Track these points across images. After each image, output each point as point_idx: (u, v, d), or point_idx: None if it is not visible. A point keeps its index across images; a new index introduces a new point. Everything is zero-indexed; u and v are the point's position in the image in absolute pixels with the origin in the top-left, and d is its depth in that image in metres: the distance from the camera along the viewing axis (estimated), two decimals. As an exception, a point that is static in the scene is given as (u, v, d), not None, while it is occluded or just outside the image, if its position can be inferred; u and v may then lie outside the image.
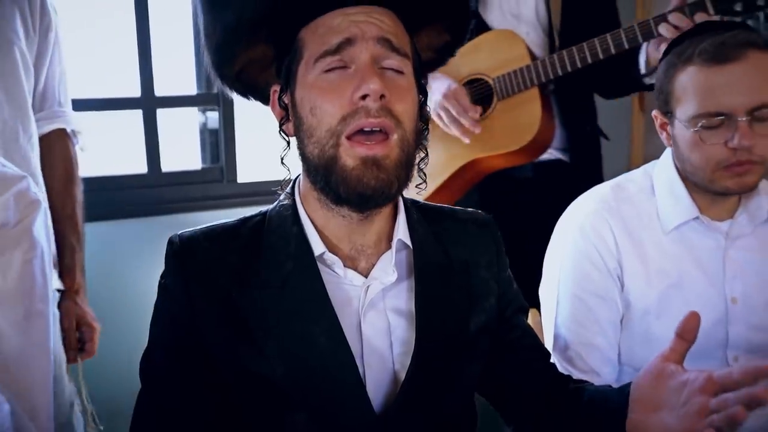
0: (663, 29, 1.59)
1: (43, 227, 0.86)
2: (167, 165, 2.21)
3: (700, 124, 1.16)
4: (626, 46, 1.71)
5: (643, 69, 1.75)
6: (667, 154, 1.29)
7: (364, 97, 0.84)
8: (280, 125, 0.96)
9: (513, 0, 2.02)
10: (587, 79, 1.88)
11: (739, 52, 1.14)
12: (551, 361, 1.10)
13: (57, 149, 1.63)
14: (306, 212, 0.94)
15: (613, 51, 1.72)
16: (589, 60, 1.74)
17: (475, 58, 2.00)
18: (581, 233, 1.28)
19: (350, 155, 0.86)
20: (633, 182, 1.32)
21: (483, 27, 1.97)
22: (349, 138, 0.85)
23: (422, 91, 0.96)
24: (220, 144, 2.32)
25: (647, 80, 1.78)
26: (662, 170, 1.29)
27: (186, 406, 0.94)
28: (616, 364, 1.26)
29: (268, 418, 0.94)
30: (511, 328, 1.06)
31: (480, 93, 1.93)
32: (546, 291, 1.34)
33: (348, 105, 0.85)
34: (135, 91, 2.13)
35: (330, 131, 0.86)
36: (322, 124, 0.87)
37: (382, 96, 0.85)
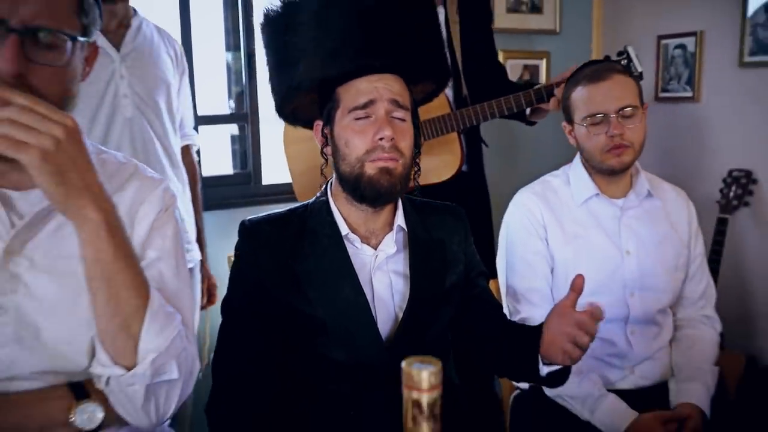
0: (557, 92, 2.11)
1: (178, 213, 1.28)
2: (206, 171, 2.54)
3: (589, 122, 1.68)
4: (524, 107, 2.20)
5: (528, 113, 2.32)
6: (577, 157, 1.79)
7: (381, 138, 1.28)
8: (322, 148, 1.39)
9: None
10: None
11: (608, 74, 1.69)
12: (502, 311, 1.52)
13: (186, 160, 2.21)
14: (336, 206, 1.37)
15: (514, 110, 2.20)
16: (497, 115, 2.20)
17: None
18: (520, 214, 1.78)
19: (371, 168, 1.29)
20: (555, 176, 1.84)
21: None
22: (370, 160, 1.29)
23: (416, 126, 1.38)
24: (248, 153, 2.69)
25: (532, 119, 2.36)
26: (574, 166, 1.80)
27: (253, 336, 1.33)
28: (551, 301, 1.72)
29: (309, 343, 1.34)
30: (474, 286, 1.49)
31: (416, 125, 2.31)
32: (500, 258, 1.82)
33: (370, 143, 1.28)
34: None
35: (358, 158, 1.29)
36: (353, 154, 1.30)
37: (392, 139, 1.28)
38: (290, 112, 1.43)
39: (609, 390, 1.68)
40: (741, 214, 2.75)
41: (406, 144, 1.31)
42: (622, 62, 2.19)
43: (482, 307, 1.48)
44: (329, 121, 1.34)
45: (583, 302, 1.29)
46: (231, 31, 2.69)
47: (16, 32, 0.93)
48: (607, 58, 2.16)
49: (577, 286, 1.27)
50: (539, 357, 1.31)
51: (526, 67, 3.11)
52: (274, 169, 2.72)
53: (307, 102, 1.40)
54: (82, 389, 1.05)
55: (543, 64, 3.18)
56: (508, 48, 2.95)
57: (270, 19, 1.39)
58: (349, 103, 1.30)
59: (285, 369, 1.37)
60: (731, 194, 2.69)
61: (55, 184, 0.93)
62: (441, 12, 2.30)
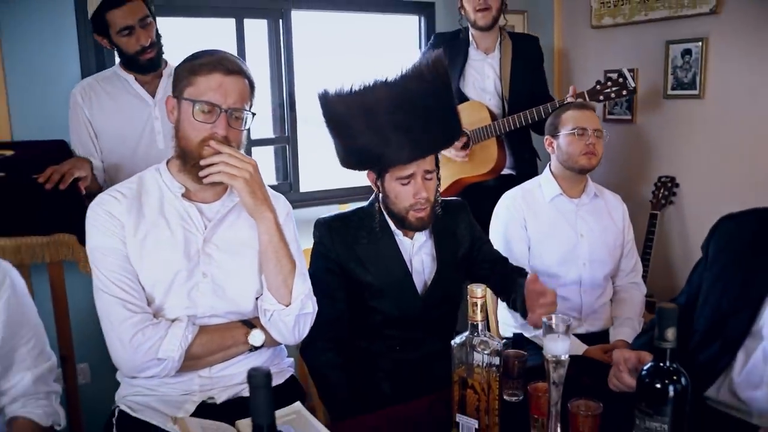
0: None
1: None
2: None
3: (575, 132, 2.31)
4: (543, 117, 2.72)
5: None
6: (546, 168, 2.41)
7: (419, 197, 1.84)
8: (373, 184, 1.93)
9: (480, 80, 2.99)
10: (525, 128, 2.91)
11: (589, 107, 2.39)
12: (508, 261, 2.12)
13: None
14: (384, 212, 1.95)
15: (536, 118, 2.76)
16: (524, 123, 2.78)
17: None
18: (506, 209, 2.39)
19: (413, 216, 1.87)
20: (529, 183, 2.45)
21: (463, 97, 2.95)
22: (412, 210, 1.86)
23: (438, 176, 1.93)
24: (288, 166, 3.17)
25: None
26: (545, 175, 2.42)
27: (331, 297, 1.89)
28: (527, 262, 2.33)
29: (368, 302, 1.94)
30: (480, 251, 2.08)
31: (465, 137, 2.89)
32: (493, 240, 2.39)
33: (412, 200, 1.84)
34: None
35: (404, 208, 1.87)
36: (400, 204, 1.86)
37: (425, 196, 1.88)
38: (351, 166, 1.97)
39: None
40: (667, 210, 3.30)
41: (432, 194, 1.89)
42: (619, 80, 2.74)
43: (492, 261, 2.09)
44: (380, 176, 1.89)
45: (552, 271, 1.94)
46: (276, 70, 3.12)
47: (225, 112, 1.57)
48: (597, 81, 2.79)
49: (533, 278, 1.79)
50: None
51: None
52: (309, 180, 3.25)
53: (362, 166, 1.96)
54: (250, 323, 1.67)
55: None
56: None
57: (331, 116, 1.85)
58: (397, 174, 1.84)
59: (353, 317, 1.96)
60: (660, 195, 3.25)
61: (250, 198, 1.58)
62: (496, 58, 2.96)
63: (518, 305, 1.94)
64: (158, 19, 2.79)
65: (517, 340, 2.38)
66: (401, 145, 1.79)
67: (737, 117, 3.03)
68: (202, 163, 1.55)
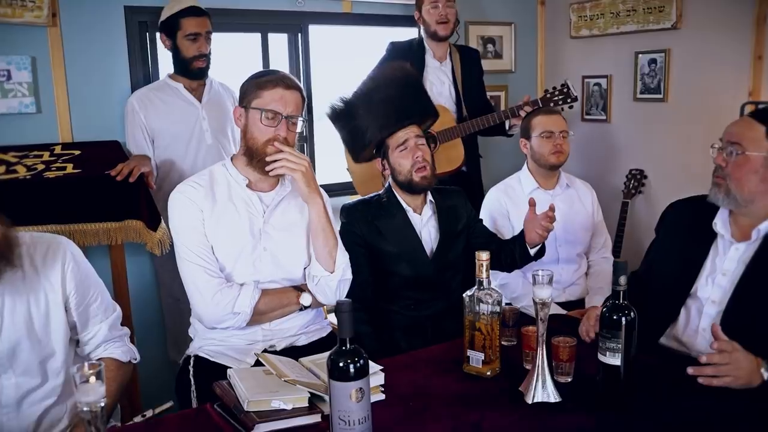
0: (522, 113, 3.03)
1: None
2: None
3: (543, 135, 2.68)
4: (503, 119, 3.11)
5: (507, 126, 3.21)
6: (525, 166, 2.79)
7: (417, 157, 2.30)
8: (382, 172, 2.41)
9: (438, 85, 3.31)
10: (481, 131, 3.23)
11: (555, 112, 2.75)
12: (497, 236, 2.53)
13: None
14: (397, 194, 2.39)
15: (497, 122, 3.12)
16: (489, 124, 3.12)
17: None
18: (492, 203, 2.79)
19: (417, 176, 2.31)
20: (511, 179, 2.84)
21: None
22: (415, 171, 2.32)
23: (430, 146, 2.41)
24: None
25: (510, 132, 3.24)
26: (523, 171, 2.80)
27: (359, 264, 2.25)
28: None
29: (386, 268, 2.35)
30: (475, 228, 2.49)
31: (431, 139, 3.18)
32: None
33: (412, 160, 2.30)
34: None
35: (408, 171, 2.31)
36: (404, 169, 2.32)
37: (422, 155, 2.33)
38: (362, 158, 2.49)
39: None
40: (637, 199, 3.64)
41: (428, 157, 2.36)
42: (564, 89, 3.08)
43: (484, 236, 2.49)
44: (385, 157, 2.39)
45: (532, 251, 2.34)
46: (295, 76, 3.31)
47: (286, 118, 1.96)
48: (551, 88, 3.13)
49: (532, 202, 2.27)
50: (527, 246, 2.30)
51: (491, 96, 3.86)
52: (325, 173, 3.60)
53: (368, 150, 2.44)
54: (300, 288, 2.06)
55: (503, 94, 4.11)
56: (478, 83, 3.85)
57: (337, 112, 2.43)
58: (395, 144, 2.34)
59: (375, 282, 2.37)
60: (631, 185, 3.60)
61: (306, 187, 1.97)
62: (449, 67, 3.30)
63: (518, 244, 2.35)
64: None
65: None
66: (388, 114, 2.29)
67: (696, 117, 3.37)
68: (269, 159, 1.94)
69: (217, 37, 2.98)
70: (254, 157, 1.97)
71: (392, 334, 2.39)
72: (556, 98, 3.12)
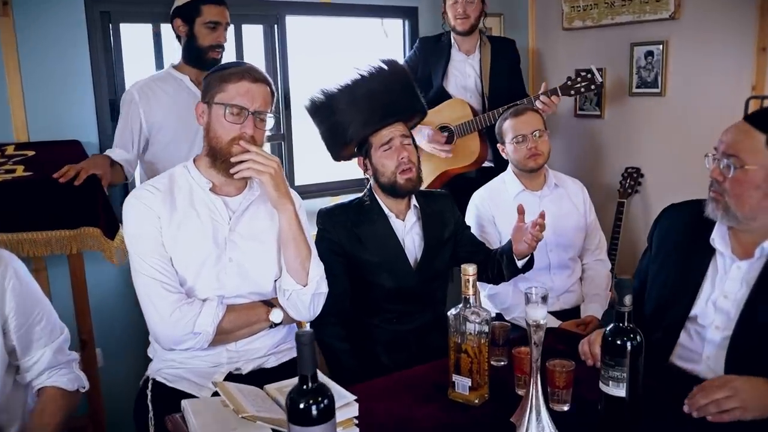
0: (538, 103, 2.93)
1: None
2: None
3: (515, 141, 2.52)
4: None
5: None
6: (509, 167, 2.63)
7: (402, 157, 2.13)
8: (364, 172, 2.24)
9: (461, 78, 3.23)
10: None
11: (524, 111, 2.58)
12: (485, 245, 2.37)
13: None
14: (378, 197, 2.22)
15: None
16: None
17: (442, 114, 3.16)
18: (476, 209, 2.63)
19: (401, 178, 2.15)
20: (495, 182, 2.68)
21: (446, 95, 3.19)
22: (399, 172, 2.15)
23: (416, 146, 2.25)
24: (284, 161, 3.34)
25: None
26: (508, 173, 2.64)
27: (337, 275, 2.12)
28: None
29: (366, 279, 2.19)
30: (463, 236, 2.34)
31: (448, 133, 3.12)
32: None
33: (397, 161, 2.14)
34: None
35: (392, 172, 2.15)
36: (388, 170, 2.15)
37: (408, 156, 2.17)
38: (342, 156, 2.31)
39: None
40: (634, 199, 3.54)
41: (414, 157, 2.20)
42: (588, 76, 2.95)
43: (471, 245, 2.35)
44: (367, 156, 2.21)
45: (519, 263, 2.17)
46: (271, 71, 3.29)
47: (252, 114, 1.79)
48: (568, 77, 2.99)
49: (520, 210, 2.15)
50: (514, 258, 2.17)
51: None
52: (304, 174, 3.45)
53: (349, 148, 2.27)
54: (270, 303, 1.89)
55: None
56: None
57: (317, 106, 2.25)
58: (378, 143, 2.17)
59: (354, 294, 2.21)
60: (627, 185, 3.49)
61: (275, 191, 1.79)
62: (477, 59, 3.21)
63: (505, 256, 2.20)
64: (163, 26, 3.01)
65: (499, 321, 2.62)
66: (372, 110, 2.13)
67: (695, 113, 3.25)
68: (233, 160, 1.77)
69: None
70: (218, 157, 1.81)
71: (373, 349, 2.24)
72: (578, 85, 3.00)
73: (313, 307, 1.91)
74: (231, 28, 3.08)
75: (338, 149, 2.29)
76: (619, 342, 1.37)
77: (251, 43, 3.29)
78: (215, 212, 1.86)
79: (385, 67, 2.24)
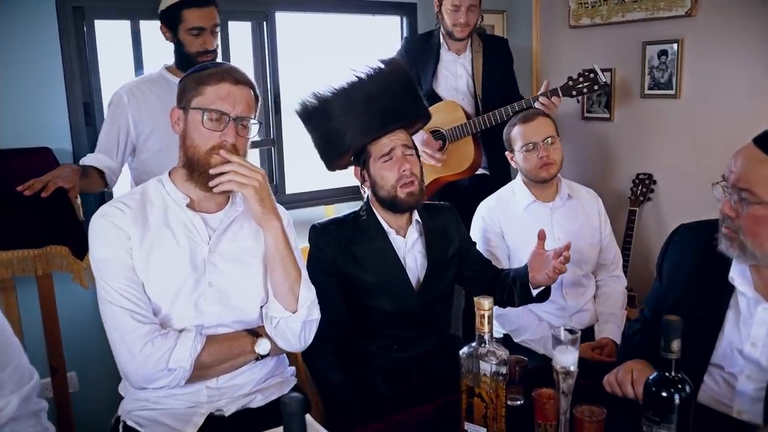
0: (537, 104, 2.76)
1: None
2: None
3: (525, 149, 2.34)
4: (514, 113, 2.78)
5: None
6: (518, 176, 2.44)
7: (403, 170, 1.94)
8: (361, 184, 2.05)
9: (452, 79, 3.04)
10: (499, 127, 2.87)
11: (535, 117, 2.38)
12: (491, 263, 2.17)
13: None
14: (377, 212, 2.04)
15: (509, 115, 2.79)
16: (499, 121, 2.81)
17: (433, 117, 2.76)
18: (483, 220, 2.43)
19: (402, 192, 1.95)
20: (504, 191, 2.48)
21: (436, 97, 3.00)
22: (400, 186, 1.95)
23: (418, 156, 2.05)
24: (274, 168, 3.17)
25: None
26: (517, 183, 2.44)
27: (331, 297, 1.93)
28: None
29: (364, 302, 2.00)
30: (468, 253, 2.15)
31: (439, 137, 2.93)
32: None
33: (398, 174, 1.94)
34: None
35: (392, 186, 1.96)
36: (388, 183, 1.96)
37: (410, 169, 1.96)
38: (336, 166, 2.11)
39: (555, 334, 2.40)
40: (646, 207, 3.37)
41: (417, 169, 2.01)
42: (590, 76, 2.79)
43: (478, 263, 2.16)
44: (365, 167, 2.02)
45: (534, 292, 1.97)
46: (260, 72, 3.12)
47: (234, 120, 1.60)
48: (569, 77, 2.83)
49: (541, 235, 1.95)
50: (529, 285, 1.96)
51: None
52: (295, 182, 3.26)
53: (346, 157, 2.07)
54: (256, 332, 1.69)
55: None
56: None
57: (309, 111, 2.05)
58: (378, 153, 1.98)
59: (350, 319, 2.02)
60: (638, 192, 3.32)
61: (259, 206, 1.60)
62: (468, 58, 3.02)
63: (518, 282, 2.01)
64: (143, 23, 2.80)
65: (506, 344, 2.42)
66: (371, 116, 1.95)
67: (712, 116, 3.09)
68: (212, 172, 1.58)
69: None
70: (195, 169, 1.62)
71: (371, 379, 2.04)
72: (580, 86, 2.82)
73: (304, 336, 1.71)
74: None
75: (333, 159, 2.09)
76: (665, 394, 1.16)
77: (238, 42, 3.10)
78: (193, 231, 1.66)
79: (385, 68, 2.04)
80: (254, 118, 1.66)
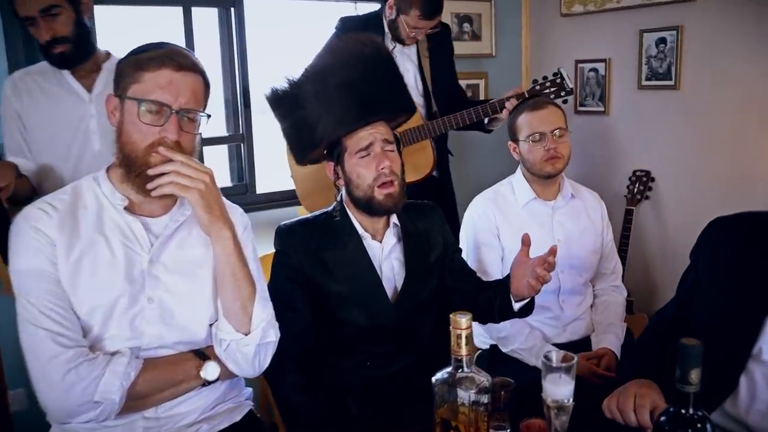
0: (504, 110, 2.59)
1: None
2: None
3: (531, 139, 2.15)
4: (482, 117, 2.65)
5: (486, 122, 2.73)
6: (519, 169, 2.26)
7: (382, 168, 1.73)
8: (335, 181, 1.83)
9: None
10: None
11: (545, 104, 2.19)
12: (476, 274, 1.97)
13: None
14: (351, 213, 1.83)
15: (475, 119, 2.65)
16: (461, 125, 2.65)
17: None
18: (477, 215, 2.24)
19: (380, 194, 1.74)
20: (502, 185, 2.29)
21: None
22: (378, 186, 1.73)
23: (400, 152, 1.84)
24: (244, 167, 3.01)
25: (489, 127, 2.78)
26: (517, 177, 2.26)
27: (296, 309, 1.74)
28: (499, 273, 2.17)
29: (334, 314, 1.79)
30: (452, 259, 1.95)
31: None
32: (463, 248, 2.22)
33: (376, 172, 1.73)
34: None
35: (369, 185, 1.74)
36: (364, 182, 1.74)
37: (390, 167, 1.74)
38: (306, 159, 1.90)
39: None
40: (643, 206, 3.24)
41: (397, 167, 1.79)
42: (557, 80, 2.64)
43: (461, 273, 1.97)
44: (339, 162, 1.81)
45: (516, 305, 1.78)
46: (228, 62, 2.96)
47: (176, 113, 1.39)
48: (534, 81, 2.67)
49: (526, 241, 1.75)
50: (511, 297, 1.78)
51: (468, 85, 3.52)
52: (267, 180, 3.09)
53: (320, 152, 1.86)
54: (203, 354, 1.49)
55: (482, 83, 3.63)
56: (454, 70, 3.32)
57: (280, 96, 1.84)
58: (354, 148, 1.76)
59: (318, 333, 1.80)
60: (635, 190, 3.17)
61: (205, 213, 1.39)
62: (413, 49, 2.78)
63: (499, 293, 1.83)
64: (97, 8, 2.58)
65: (493, 354, 2.26)
66: (347, 104, 1.74)
67: (714, 108, 2.97)
68: (150, 172, 1.37)
69: (126, 12, 2.45)
70: (132, 169, 1.41)
71: (341, 398, 1.82)
72: (547, 90, 2.67)
73: (259, 361, 1.50)
74: (177, 12, 2.69)
75: (304, 151, 1.88)
76: (682, 434, 0.94)
77: (203, 30, 2.90)
78: (131, 239, 1.45)
79: (367, 50, 1.81)
80: (203, 110, 1.45)
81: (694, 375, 0.93)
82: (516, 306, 1.80)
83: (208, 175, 1.40)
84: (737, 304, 1.43)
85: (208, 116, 1.48)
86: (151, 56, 1.40)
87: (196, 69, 1.44)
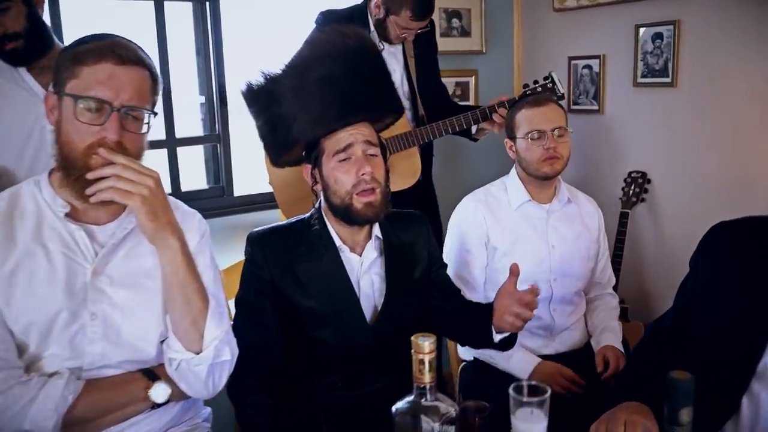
0: (496, 117, 2.48)
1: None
2: (183, 186, 2.76)
3: (530, 137, 2.04)
4: (470, 124, 2.53)
5: (474, 131, 2.63)
6: (513, 169, 2.14)
7: (362, 174, 1.58)
8: (312, 186, 1.69)
9: None
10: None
11: (546, 102, 2.08)
12: (461, 294, 1.84)
13: None
14: (328, 222, 1.68)
15: (465, 126, 2.53)
16: (450, 132, 2.53)
17: None
18: (465, 217, 2.12)
19: (359, 202, 1.59)
20: (494, 186, 2.17)
21: None
22: (357, 194, 1.59)
23: (384, 157, 1.69)
24: (220, 169, 2.87)
25: (476, 136, 2.67)
26: (511, 177, 2.14)
27: (264, 324, 1.62)
28: (482, 287, 2.08)
29: (308, 332, 1.65)
30: (437, 276, 1.82)
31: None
32: (448, 251, 2.15)
33: (355, 178, 1.58)
34: (161, 134, 2.66)
35: (347, 192, 1.59)
36: (342, 189, 1.60)
37: (371, 173, 1.59)
38: (282, 160, 1.76)
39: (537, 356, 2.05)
40: (639, 208, 3.12)
41: (380, 174, 1.64)
42: (548, 85, 2.53)
43: (444, 291, 1.83)
44: (317, 165, 1.66)
45: (519, 287, 1.62)
46: (203, 59, 2.83)
47: (117, 111, 1.27)
48: (532, 82, 2.55)
49: (514, 270, 1.61)
50: (492, 328, 1.65)
51: (457, 83, 3.40)
52: (245, 182, 2.96)
53: (297, 154, 1.73)
54: (153, 373, 1.38)
55: (472, 80, 3.49)
56: (442, 68, 3.05)
57: (255, 92, 1.70)
58: (332, 149, 1.62)
59: (288, 349, 1.67)
60: (631, 192, 3.05)
61: (149, 221, 1.27)
62: (399, 48, 2.64)
63: (480, 321, 1.69)
64: (63, 0, 2.47)
65: (478, 366, 2.15)
66: (327, 102, 1.60)
67: (713, 106, 2.85)
68: (89, 176, 1.26)
69: (94, 6, 2.32)
70: (71, 173, 1.31)
71: (312, 420, 1.69)
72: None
73: (213, 382, 1.39)
74: (148, 6, 2.56)
75: (279, 151, 1.74)
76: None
77: (177, 25, 2.76)
78: (73, 248, 1.34)
79: (351, 43, 1.67)
80: (150, 108, 1.33)
81: (685, 414, 0.81)
82: (497, 338, 1.67)
83: (153, 179, 1.28)
84: (740, 317, 1.32)
85: (155, 114, 1.36)
86: (89, 48, 1.29)
87: (141, 62, 1.33)
